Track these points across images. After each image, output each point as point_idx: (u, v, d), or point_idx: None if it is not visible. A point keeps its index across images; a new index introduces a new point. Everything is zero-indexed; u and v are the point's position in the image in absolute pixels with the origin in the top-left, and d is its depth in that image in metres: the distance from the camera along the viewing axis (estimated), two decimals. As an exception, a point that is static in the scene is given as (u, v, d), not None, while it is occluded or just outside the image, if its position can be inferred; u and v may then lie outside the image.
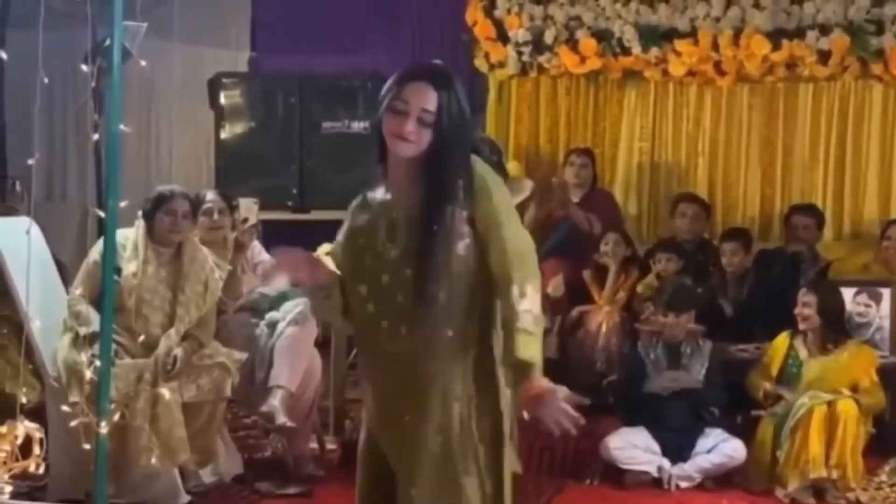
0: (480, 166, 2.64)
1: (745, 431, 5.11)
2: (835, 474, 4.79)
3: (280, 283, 4.71)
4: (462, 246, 2.55)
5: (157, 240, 4.69)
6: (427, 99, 2.55)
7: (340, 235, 2.72)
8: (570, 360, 5.87)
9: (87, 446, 3.35)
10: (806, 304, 5.08)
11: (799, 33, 6.58)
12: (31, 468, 2.68)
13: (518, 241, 2.58)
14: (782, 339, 5.19)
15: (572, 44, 6.91)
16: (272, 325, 5.00)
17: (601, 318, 5.91)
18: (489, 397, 2.63)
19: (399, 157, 2.59)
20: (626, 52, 6.83)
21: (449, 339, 2.57)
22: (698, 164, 7.02)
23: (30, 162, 3.28)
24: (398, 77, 2.61)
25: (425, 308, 2.54)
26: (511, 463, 4.89)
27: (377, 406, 2.71)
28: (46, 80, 2.72)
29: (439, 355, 2.57)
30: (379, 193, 2.66)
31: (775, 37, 6.59)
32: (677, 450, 5.01)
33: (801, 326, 5.11)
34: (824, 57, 6.57)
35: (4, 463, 2.63)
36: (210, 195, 5.17)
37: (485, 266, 2.57)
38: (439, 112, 2.55)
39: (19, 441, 2.64)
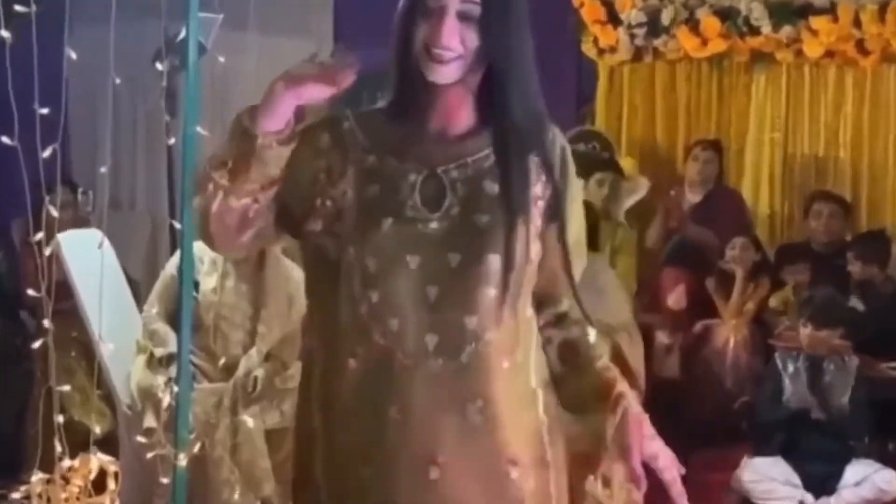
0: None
1: (898, 461, 5.05)
2: None
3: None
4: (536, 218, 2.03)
5: (235, 251, 4.77)
6: None
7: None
8: (694, 381, 5.82)
9: (164, 480, 3.40)
10: None
11: (954, 6, 6.45)
12: (106, 504, 2.73)
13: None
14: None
15: (692, 24, 6.86)
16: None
17: (728, 333, 5.85)
18: None
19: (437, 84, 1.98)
20: (754, 31, 6.74)
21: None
22: (839, 156, 6.90)
23: (102, 170, 3.34)
24: None
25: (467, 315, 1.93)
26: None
27: None
28: (118, 81, 2.77)
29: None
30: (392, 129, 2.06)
31: (927, 11, 6.46)
32: (821, 482, 4.96)
33: None
34: (982, 33, 6.44)
35: (77, 499, 2.69)
36: None
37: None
38: (488, 5, 1.91)
39: (93, 475, 2.69)
